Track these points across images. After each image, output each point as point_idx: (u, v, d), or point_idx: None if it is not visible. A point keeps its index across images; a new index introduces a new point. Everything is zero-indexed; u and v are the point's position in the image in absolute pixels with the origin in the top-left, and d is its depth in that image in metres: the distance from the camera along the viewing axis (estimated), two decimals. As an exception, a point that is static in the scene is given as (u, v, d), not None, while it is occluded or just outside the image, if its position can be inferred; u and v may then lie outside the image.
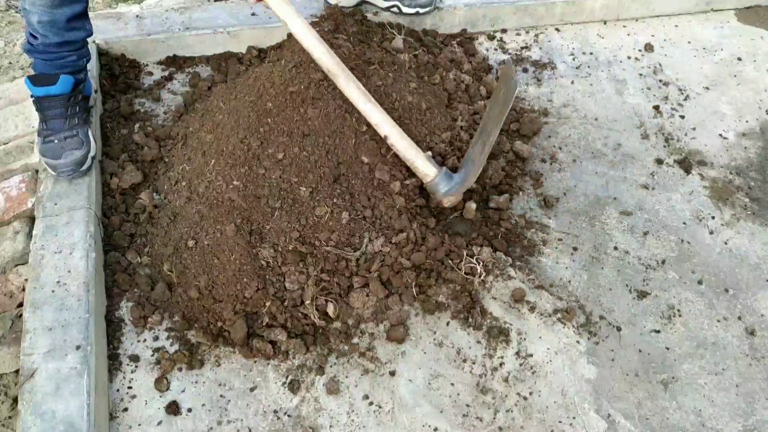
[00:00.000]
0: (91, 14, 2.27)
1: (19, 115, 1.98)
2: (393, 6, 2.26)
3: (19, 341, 1.49)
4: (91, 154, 1.77)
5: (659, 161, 2.10)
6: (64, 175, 1.73)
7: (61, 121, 1.74)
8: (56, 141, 1.72)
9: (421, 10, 2.28)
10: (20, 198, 1.78)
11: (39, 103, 1.74)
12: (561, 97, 2.27)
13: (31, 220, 1.74)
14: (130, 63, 2.21)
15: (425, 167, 1.77)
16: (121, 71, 2.17)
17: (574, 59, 2.40)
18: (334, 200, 1.72)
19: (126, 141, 1.96)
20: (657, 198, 2.00)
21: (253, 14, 2.28)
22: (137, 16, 2.28)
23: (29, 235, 1.70)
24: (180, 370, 1.58)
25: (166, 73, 2.22)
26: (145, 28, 2.22)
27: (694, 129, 2.20)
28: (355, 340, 1.65)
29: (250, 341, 1.60)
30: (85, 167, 1.75)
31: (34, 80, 1.70)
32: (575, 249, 1.86)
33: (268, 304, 1.62)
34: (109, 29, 2.21)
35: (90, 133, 1.79)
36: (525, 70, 2.34)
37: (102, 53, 2.17)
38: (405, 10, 2.27)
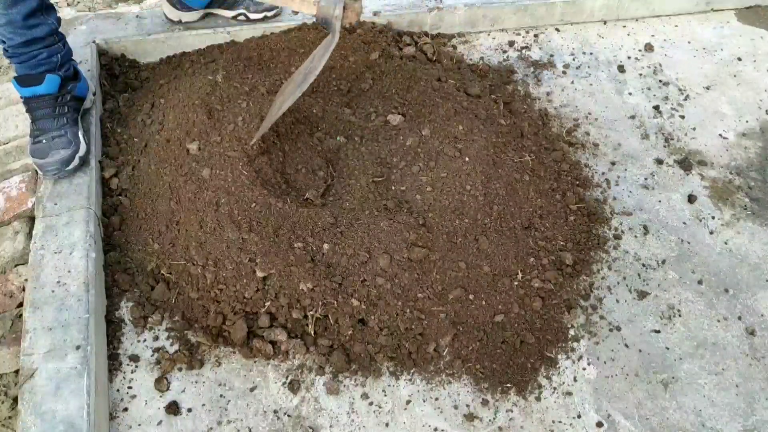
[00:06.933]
0: (90, 14, 2.28)
1: (19, 115, 1.98)
2: (240, 14, 2.23)
3: (19, 341, 1.49)
4: (79, 154, 1.76)
5: (659, 161, 2.10)
6: (50, 175, 1.73)
7: (49, 120, 1.74)
8: (44, 141, 1.72)
9: (269, 14, 2.25)
10: (20, 198, 1.78)
11: (28, 103, 1.74)
12: (561, 97, 2.27)
13: (31, 220, 1.74)
14: (130, 63, 2.21)
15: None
16: (121, 71, 2.17)
17: (574, 59, 2.40)
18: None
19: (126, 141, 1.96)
20: (657, 198, 2.00)
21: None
22: (137, 16, 2.28)
23: (29, 235, 1.70)
24: (180, 370, 1.58)
25: (166, 73, 2.22)
26: (145, 28, 2.22)
27: (694, 129, 2.20)
28: (355, 340, 1.65)
29: (250, 341, 1.60)
30: (71, 167, 1.74)
31: (21, 81, 1.71)
32: (575, 249, 1.86)
33: (267, 304, 1.62)
34: (109, 29, 2.21)
35: (80, 133, 1.79)
36: (525, 70, 2.34)
37: (102, 53, 2.17)
38: (252, 16, 2.23)
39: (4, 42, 1.69)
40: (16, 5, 1.61)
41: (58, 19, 1.76)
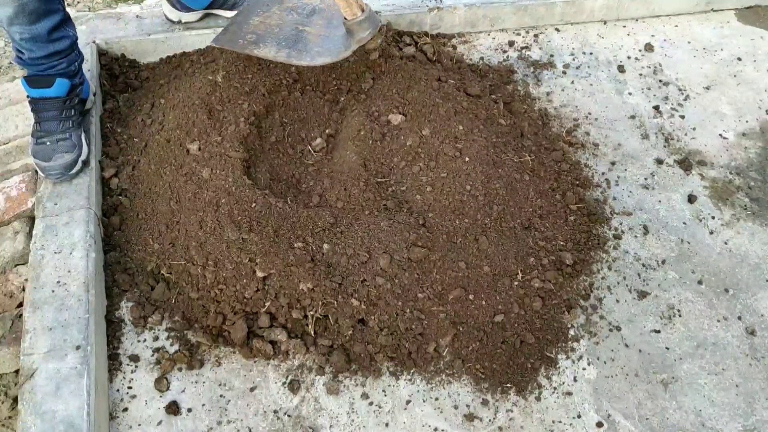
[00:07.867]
0: (90, 14, 2.28)
1: (19, 115, 1.98)
2: None
3: (19, 341, 1.49)
4: (82, 158, 1.76)
5: (659, 161, 2.10)
6: (53, 178, 1.73)
7: (55, 123, 1.74)
8: (48, 143, 1.72)
9: None
10: (20, 198, 1.78)
11: (34, 104, 1.74)
12: (561, 97, 2.27)
13: (31, 220, 1.74)
14: (130, 63, 2.21)
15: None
16: (120, 71, 2.17)
17: (574, 59, 2.40)
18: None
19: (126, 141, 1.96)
20: (657, 198, 2.00)
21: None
22: (137, 16, 2.28)
23: (29, 235, 1.70)
24: (180, 370, 1.58)
25: (166, 73, 2.22)
26: (145, 28, 2.22)
27: (694, 129, 2.20)
28: (355, 340, 1.65)
29: (250, 341, 1.61)
30: (74, 171, 1.75)
31: (31, 82, 1.71)
32: (575, 249, 1.86)
33: (267, 304, 1.62)
34: (109, 29, 2.20)
35: (83, 137, 1.79)
36: (525, 70, 2.34)
37: (102, 53, 2.17)
38: None
39: (22, 53, 1.68)
40: (41, 20, 1.61)
41: (75, 27, 1.77)
